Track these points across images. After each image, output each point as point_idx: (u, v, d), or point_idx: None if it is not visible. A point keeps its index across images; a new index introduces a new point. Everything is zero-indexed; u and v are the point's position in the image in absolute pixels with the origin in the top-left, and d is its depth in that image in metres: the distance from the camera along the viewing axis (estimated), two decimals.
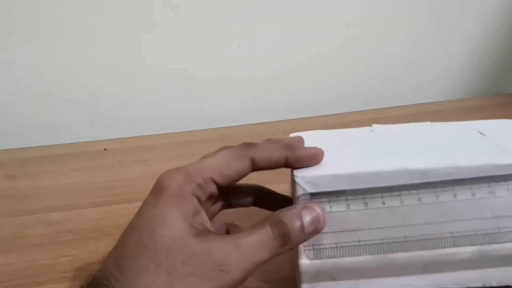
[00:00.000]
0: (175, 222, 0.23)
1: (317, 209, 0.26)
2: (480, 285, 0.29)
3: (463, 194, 0.26)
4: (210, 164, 0.26)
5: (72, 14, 0.56)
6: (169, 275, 0.22)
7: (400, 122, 0.60)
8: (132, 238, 0.24)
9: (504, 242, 0.26)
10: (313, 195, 0.26)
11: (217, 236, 0.24)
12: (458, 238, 0.26)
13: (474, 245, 0.26)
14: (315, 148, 0.27)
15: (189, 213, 0.24)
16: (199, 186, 0.25)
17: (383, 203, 0.26)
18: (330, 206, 0.26)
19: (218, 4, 0.58)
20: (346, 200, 0.26)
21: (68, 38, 0.57)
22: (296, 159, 0.27)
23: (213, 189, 0.26)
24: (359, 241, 0.26)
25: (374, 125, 0.32)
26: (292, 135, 0.31)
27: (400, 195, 0.26)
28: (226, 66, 0.62)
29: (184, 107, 0.63)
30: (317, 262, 0.27)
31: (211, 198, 0.27)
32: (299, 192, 0.26)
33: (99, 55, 0.58)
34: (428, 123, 0.33)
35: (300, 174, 0.26)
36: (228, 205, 0.31)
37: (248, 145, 0.27)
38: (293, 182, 0.27)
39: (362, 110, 0.64)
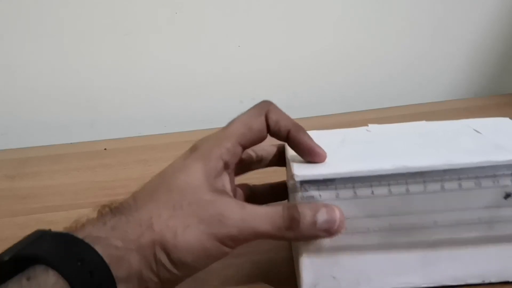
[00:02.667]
0: (196, 174, 0.26)
1: (337, 213, 0.26)
2: (480, 281, 0.29)
3: (451, 185, 0.26)
4: (234, 129, 0.27)
5: (71, 14, 0.56)
6: (174, 210, 0.24)
7: (400, 122, 0.59)
8: (154, 179, 0.27)
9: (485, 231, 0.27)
10: (303, 183, 0.26)
11: (230, 197, 0.26)
12: (441, 228, 0.26)
13: (456, 235, 0.27)
14: (320, 148, 0.27)
15: (212, 174, 0.26)
16: (228, 150, 0.27)
17: (372, 193, 0.26)
18: (320, 195, 0.26)
19: (218, 4, 0.58)
20: (336, 188, 0.26)
21: (68, 39, 0.57)
22: (297, 140, 0.27)
23: (239, 152, 0.28)
24: (346, 229, 0.26)
25: (370, 125, 0.33)
26: None
27: (389, 184, 0.26)
28: (226, 66, 0.62)
29: (184, 107, 0.63)
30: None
31: (238, 162, 0.29)
32: (291, 182, 0.27)
33: (99, 55, 0.58)
34: (424, 122, 0.33)
35: (300, 173, 0.26)
36: (249, 168, 0.32)
37: (266, 102, 0.29)
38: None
39: (363, 110, 0.64)
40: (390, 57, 0.66)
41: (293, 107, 0.66)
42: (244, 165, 0.32)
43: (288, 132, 0.27)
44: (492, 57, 0.69)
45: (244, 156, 0.31)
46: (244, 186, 0.33)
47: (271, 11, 0.60)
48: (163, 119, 0.63)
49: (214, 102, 0.63)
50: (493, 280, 0.29)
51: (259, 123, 0.27)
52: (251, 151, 0.32)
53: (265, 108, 0.28)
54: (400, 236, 0.27)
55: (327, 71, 0.65)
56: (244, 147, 0.28)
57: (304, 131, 0.28)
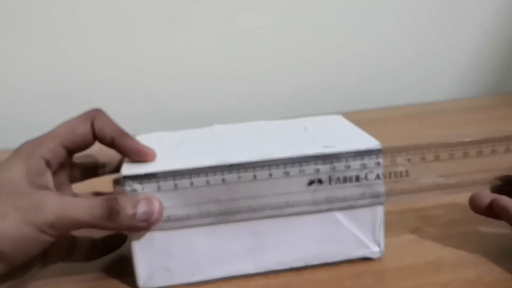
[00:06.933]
0: (16, 170, 0.27)
1: (156, 204, 0.28)
2: (303, 264, 0.31)
3: (262, 174, 0.29)
4: (59, 131, 0.30)
5: (70, 13, 0.58)
6: None
7: (403, 122, 0.61)
8: None
9: (294, 214, 0.30)
10: (126, 178, 0.28)
11: (51, 190, 0.28)
12: (253, 211, 0.29)
13: (268, 217, 0.30)
14: (148, 148, 0.30)
15: (33, 171, 0.28)
16: (50, 150, 0.29)
17: (191, 184, 0.28)
18: (143, 188, 0.28)
19: (218, 2, 0.60)
20: (158, 182, 0.28)
21: (65, 38, 0.58)
22: (122, 145, 0.29)
23: (63, 153, 0.30)
24: (168, 216, 0.29)
25: (215, 125, 0.36)
26: (140, 136, 0.33)
27: (207, 176, 0.28)
28: (225, 65, 0.63)
29: (183, 107, 0.64)
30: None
31: (64, 163, 0.31)
32: (119, 180, 0.29)
33: (98, 54, 0.60)
34: (263, 121, 0.36)
35: (126, 170, 0.29)
36: (94, 174, 0.34)
37: (94, 110, 0.31)
38: None
39: (364, 110, 0.65)
40: (394, 57, 0.67)
41: (294, 105, 0.66)
42: (88, 171, 0.34)
43: (113, 138, 0.30)
44: (497, 56, 0.70)
45: (87, 161, 0.33)
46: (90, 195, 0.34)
47: (272, 9, 0.62)
48: (162, 119, 0.64)
49: (214, 101, 0.64)
50: (314, 263, 0.31)
51: (83, 128, 0.30)
52: (94, 157, 0.34)
53: (93, 115, 0.30)
54: (225, 224, 0.29)
55: (329, 69, 0.66)
56: (69, 149, 0.30)
57: (129, 136, 0.30)
